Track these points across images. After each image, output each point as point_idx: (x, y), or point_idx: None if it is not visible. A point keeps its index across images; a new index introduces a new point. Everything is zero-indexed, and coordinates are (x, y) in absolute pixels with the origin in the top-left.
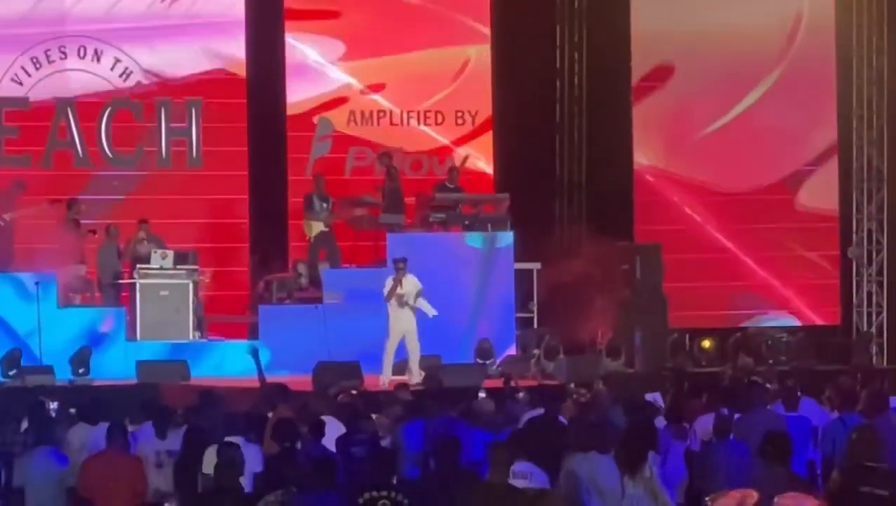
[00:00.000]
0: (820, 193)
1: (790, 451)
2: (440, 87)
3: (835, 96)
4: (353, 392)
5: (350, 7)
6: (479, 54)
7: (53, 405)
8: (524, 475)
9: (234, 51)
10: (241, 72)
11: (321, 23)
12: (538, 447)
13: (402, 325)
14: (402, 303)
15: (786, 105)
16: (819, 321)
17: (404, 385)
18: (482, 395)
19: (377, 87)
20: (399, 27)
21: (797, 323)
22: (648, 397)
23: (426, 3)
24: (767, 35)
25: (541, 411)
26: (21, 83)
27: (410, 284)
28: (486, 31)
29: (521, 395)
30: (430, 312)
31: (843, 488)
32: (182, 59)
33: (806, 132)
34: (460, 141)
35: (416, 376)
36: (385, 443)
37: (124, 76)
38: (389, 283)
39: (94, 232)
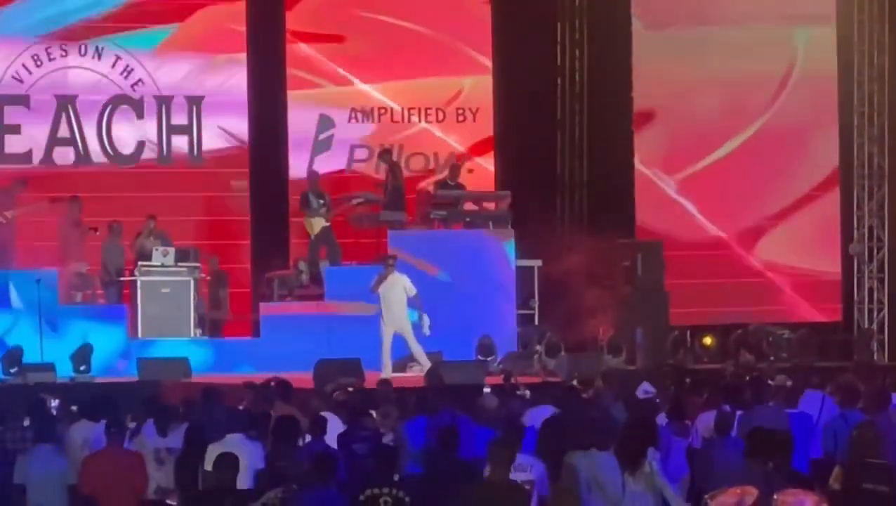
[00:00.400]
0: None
1: (781, 448)
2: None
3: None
4: (350, 389)
5: (354, 32)
6: (476, 84)
7: (55, 403)
8: (524, 468)
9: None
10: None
11: (325, 45)
12: (555, 447)
13: (392, 322)
14: (391, 304)
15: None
16: (820, 318)
17: (386, 381)
18: (487, 390)
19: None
20: (400, 54)
21: (798, 320)
22: (640, 389)
23: (428, 31)
24: (773, 43)
25: (543, 407)
26: (22, 81)
27: (398, 283)
28: (486, 61)
29: (525, 393)
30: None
31: (844, 484)
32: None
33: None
34: (461, 139)
35: (426, 367)
36: (387, 440)
37: (125, 73)
38: (375, 278)
39: (95, 229)
